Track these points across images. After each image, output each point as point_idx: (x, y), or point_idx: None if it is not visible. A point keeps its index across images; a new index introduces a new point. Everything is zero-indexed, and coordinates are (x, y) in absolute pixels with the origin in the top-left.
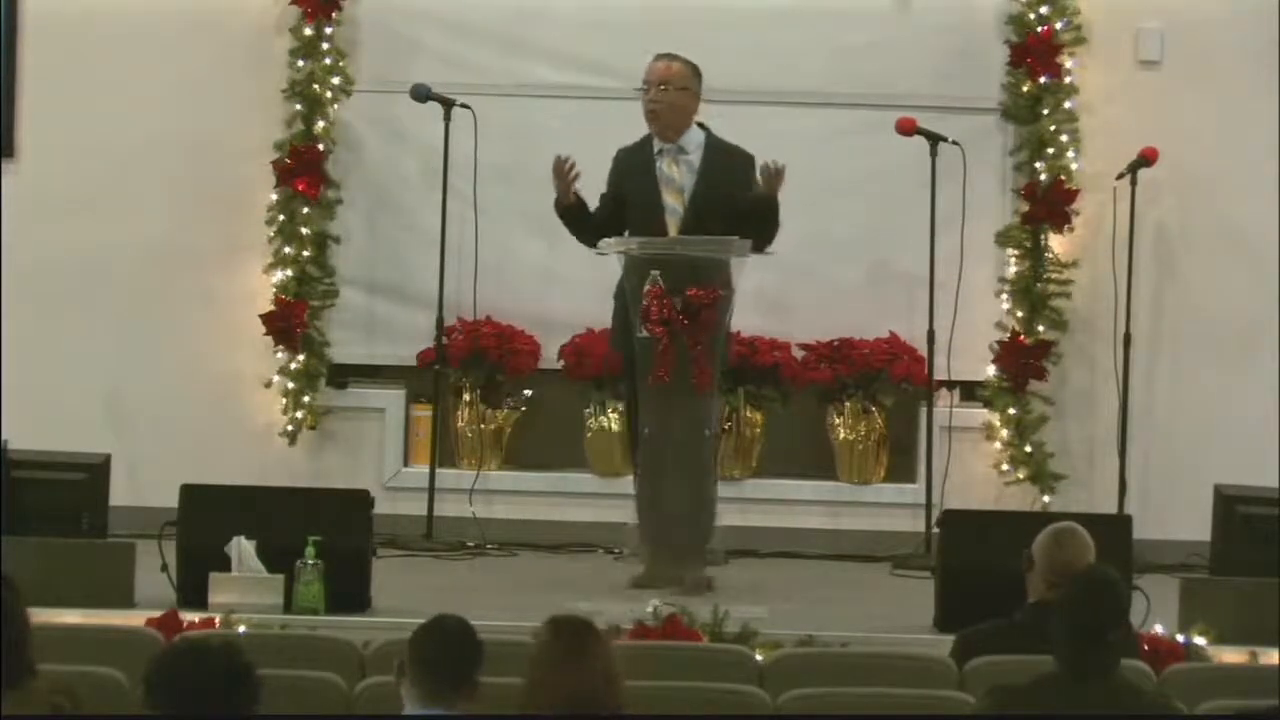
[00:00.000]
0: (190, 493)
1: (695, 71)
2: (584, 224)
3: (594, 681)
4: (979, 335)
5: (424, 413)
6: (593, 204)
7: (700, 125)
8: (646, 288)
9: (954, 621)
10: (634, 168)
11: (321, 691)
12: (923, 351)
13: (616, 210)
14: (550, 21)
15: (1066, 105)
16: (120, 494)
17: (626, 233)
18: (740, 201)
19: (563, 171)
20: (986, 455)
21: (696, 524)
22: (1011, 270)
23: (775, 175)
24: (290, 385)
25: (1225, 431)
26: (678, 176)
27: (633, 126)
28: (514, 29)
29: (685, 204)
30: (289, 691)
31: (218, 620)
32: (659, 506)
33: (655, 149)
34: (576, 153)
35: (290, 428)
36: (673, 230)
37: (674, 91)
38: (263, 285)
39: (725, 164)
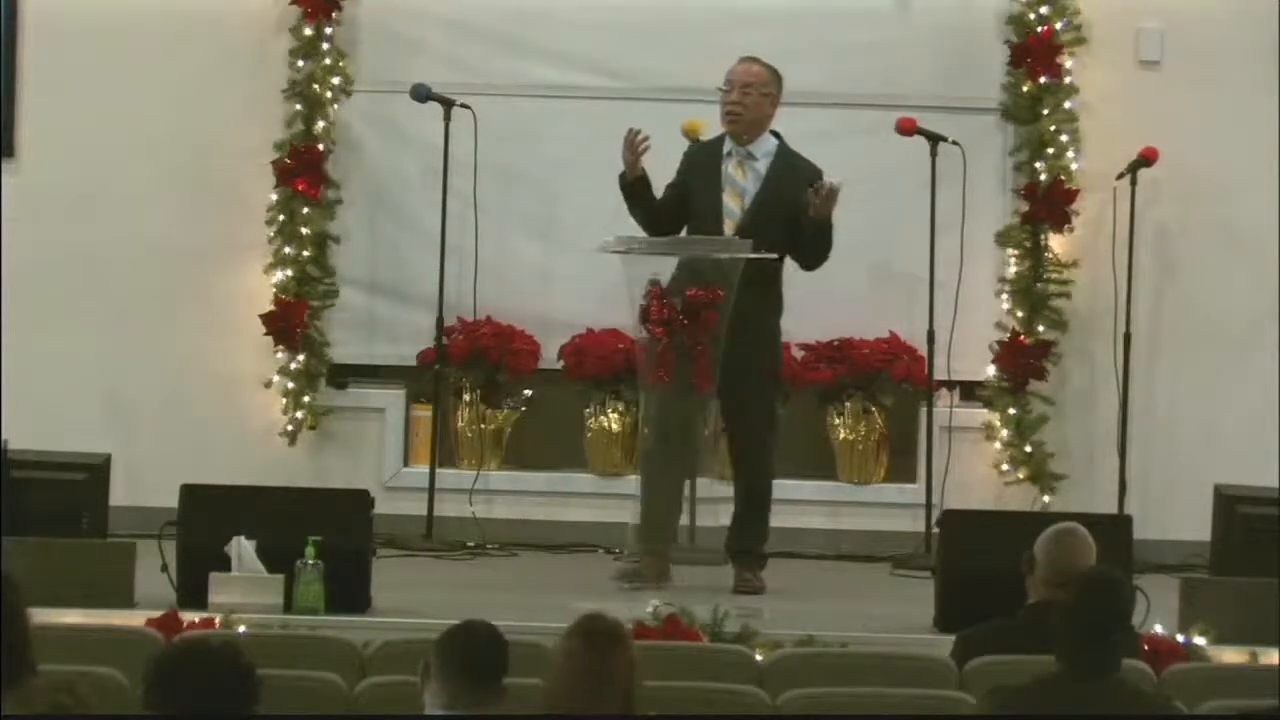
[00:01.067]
0: (190, 493)
1: (777, 76)
2: (644, 204)
3: (621, 683)
4: (979, 335)
5: (424, 413)
6: (659, 190)
7: (774, 133)
8: (646, 288)
9: (954, 621)
10: (702, 165)
11: (321, 691)
12: (923, 351)
13: (679, 203)
14: (550, 21)
15: (1066, 105)
16: (120, 494)
17: (686, 228)
18: (799, 220)
19: (634, 143)
20: (986, 455)
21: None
22: (1011, 270)
23: (828, 197)
24: (290, 385)
25: (1225, 431)
26: (741, 180)
27: (633, 126)
28: (514, 29)
29: (744, 208)
30: (289, 691)
31: (218, 620)
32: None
33: (725, 150)
34: (576, 152)
35: (290, 428)
36: (729, 232)
37: (756, 95)
38: (263, 285)
39: (791, 176)
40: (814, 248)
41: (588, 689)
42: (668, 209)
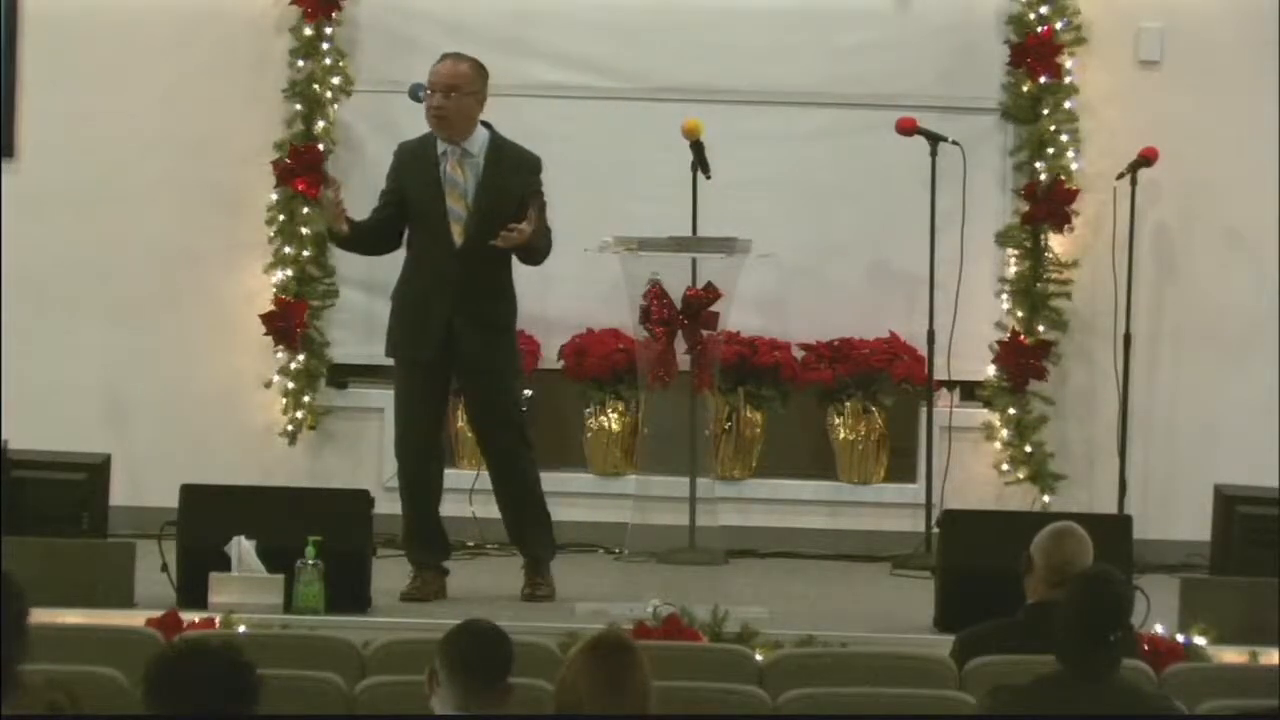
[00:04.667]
0: (190, 493)
1: (481, 72)
2: (363, 237)
3: (630, 704)
4: (979, 335)
5: None
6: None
7: (484, 124)
8: (646, 287)
9: (954, 621)
10: (417, 169)
11: (321, 691)
12: (923, 351)
13: (398, 209)
14: (550, 21)
15: (1066, 105)
16: (120, 494)
17: (407, 232)
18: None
19: (333, 207)
20: (986, 455)
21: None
22: (1011, 270)
23: (508, 239)
24: (290, 385)
25: (1225, 431)
26: (461, 179)
27: (631, 126)
28: (514, 29)
29: (469, 208)
30: (289, 691)
31: (218, 620)
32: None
33: (439, 149)
34: (577, 152)
35: (290, 428)
36: (457, 235)
37: (460, 97)
38: (263, 285)
39: (509, 165)
40: (528, 258)
41: (605, 703)
42: (391, 221)
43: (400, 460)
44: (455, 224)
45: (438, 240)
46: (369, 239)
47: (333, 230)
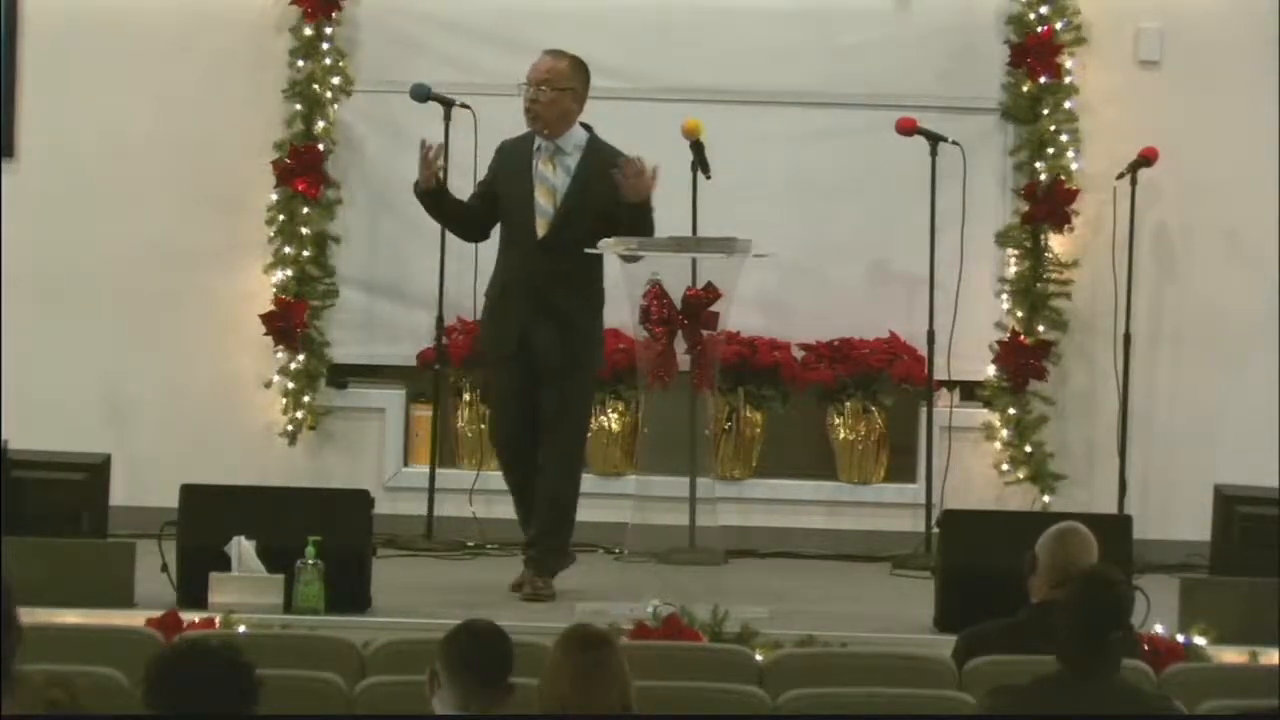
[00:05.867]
0: (190, 493)
1: (580, 69)
2: (447, 208)
3: (613, 694)
4: (979, 335)
5: (424, 413)
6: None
7: (584, 125)
8: (646, 288)
9: (954, 621)
10: (512, 163)
11: (321, 691)
12: (923, 351)
13: (490, 202)
14: (550, 21)
15: (1066, 105)
16: (120, 494)
17: (500, 227)
18: (614, 212)
19: (428, 158)
20: (986, 455)
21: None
22: (1011, 270)
23: (639, 174)
24: (290, 385)
25: (1225, 431)
26: (552, 176)
27: (631, 126)
28: (514, 29)
29: (556, 205)
30: (289, 691)
31: (218, 620)
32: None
33: (535, 145)
34: None
35: (290, 428)
36: (541, 231)
37: (553, 91)
38: (263, 285)
39: (602, 166)
40: (634, 231)
41: (585, 694)
42: (477, 209)
43: (497, 454)
44: (540, 219)
45: (523, 235)
46: (453, 213)
47: (420, 185)
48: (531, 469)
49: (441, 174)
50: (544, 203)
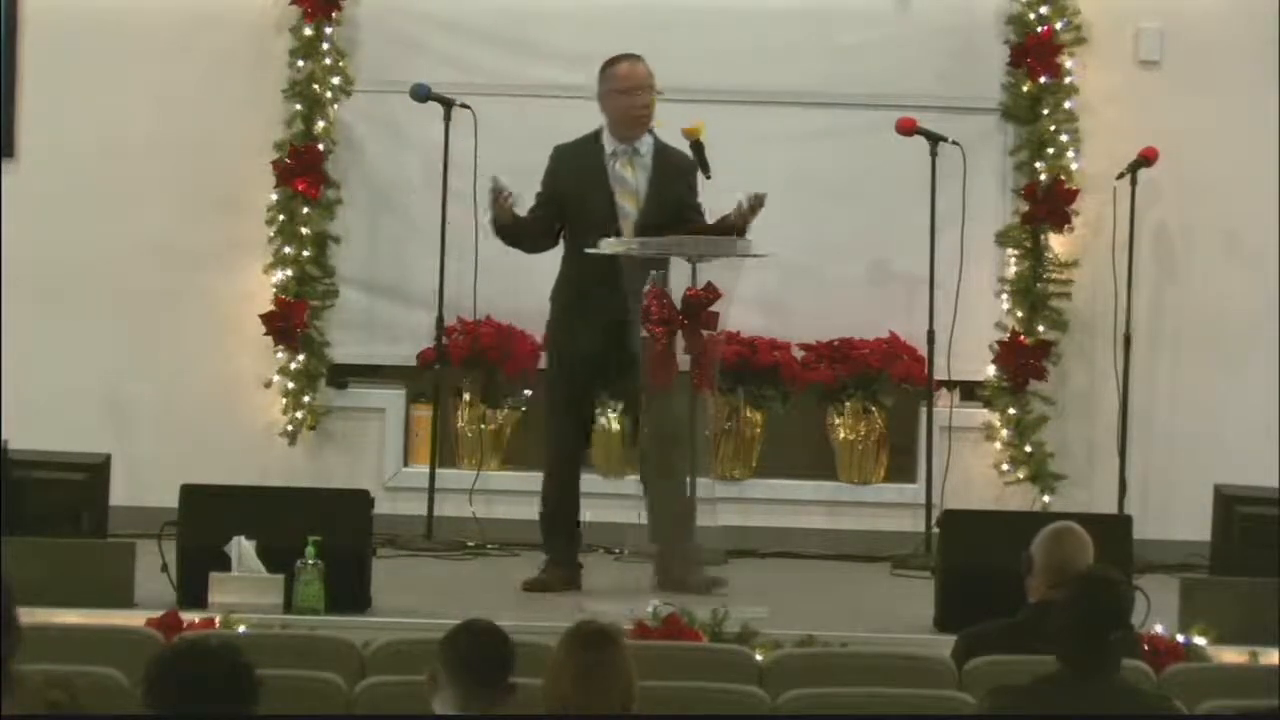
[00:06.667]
0: (190, 493)
1: None
2: (521, 235)
3: (617, 690)
4: (979, 335)
5: (424, 413)
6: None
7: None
8: (646, 287)
9: (954, 621)
10: (580, 168)
11: (321, 691)
12: (923, 351)
13: (554, 210)
14: (550, 21)
15: (1066, 105)
16: (120, 494)
17: (567, 232)
18: (692, 214)
19: (501, 200)
20: (986, 455)
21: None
22: (1011, 270)
23: (753, 211)
24: (290, 385)
25: (1225, 431)
26: (632, 178)
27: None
28: (514, 29)
29: (640, 206)
30: (289, 691)
31: (218, 620)
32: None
33: (608, 150)
34: None
35: (290, 428)
36: (627, 233)
37: (650, 94)
38: (263, 285)
39: (673, 167)
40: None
41: (587, 691)
42: (543, 219)
43: (554, 454)
44: (624, 222)
45: (603, 237)
46: (529, 235)
47: (498, 220)
48: (579, 469)
49: (512, 204)
50: (627, 205)
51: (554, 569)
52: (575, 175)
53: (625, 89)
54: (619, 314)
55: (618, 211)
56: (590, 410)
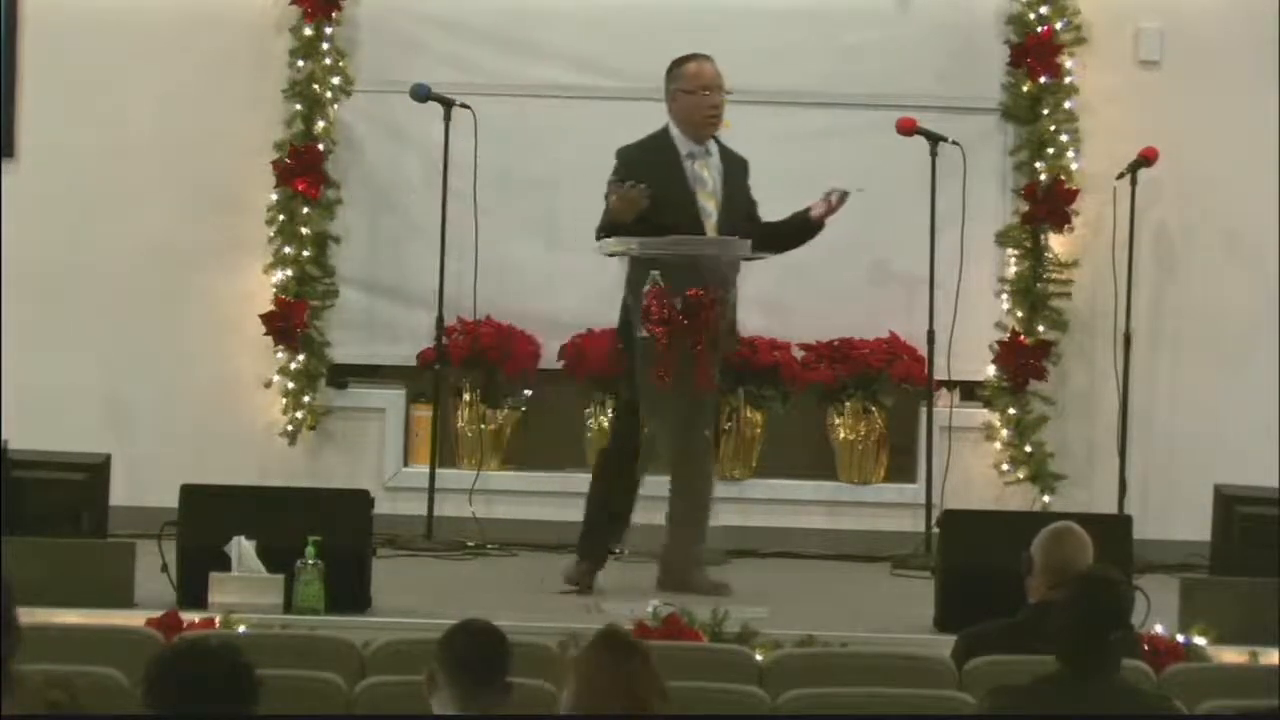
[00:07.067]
0: (190, 493)
1: None
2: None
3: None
4: (979, 335)
5: (424, 413)
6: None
7: None
8: (646, 287)
9: (954, 621)
10: (658, 169)
11: (321, 691)
12: (923, 351)
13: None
14: (550, 21)
15: (1066, 105)
16: (120, 494)
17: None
18: (755, 211)
19: (633, 196)
20: (986, 455)
21: (696, 526)
22: (1011, 270)
23: (837, 206)
24: (290, 385)
25: (1225, 431)
26: (709, 179)
27: (632, 126)
28: (514, 29)
29: (719, 206)
30: (289, 691)
31: (218, 620)
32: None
33: (683, 151)
34: (577, 153)
35: (290, 428)
36: (710, 233)
37: (721, 94)
38: (263, 285)
39: (738, 165)
40: (794, 244)
41: (617, 703)
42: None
43: (627, 466)
44: (707, 222)
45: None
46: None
47: (618, 219)
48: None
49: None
50: (708, 206)
51: (590, 565)
52: (654, 177)
53: (693, 88)
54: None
55: (699, 212)
56: None
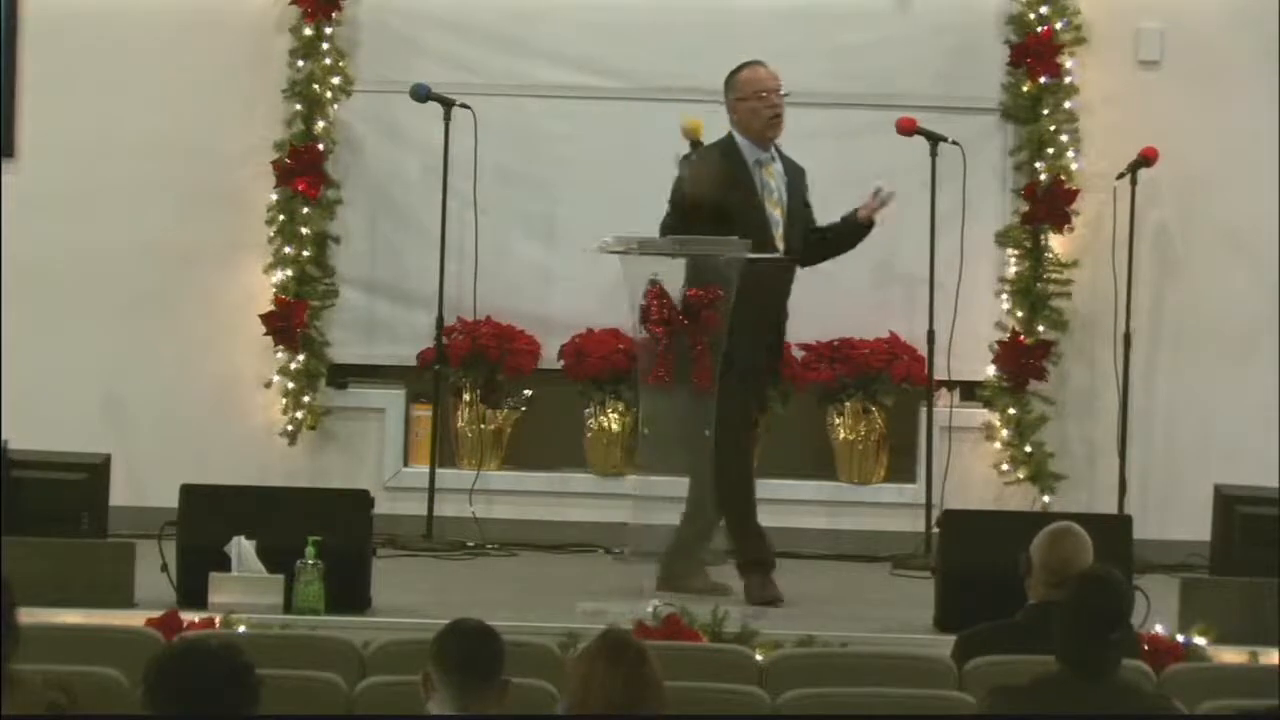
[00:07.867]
0: (190, 493)
1: None
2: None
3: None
4: (979, 335)
5: (424, 413)
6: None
7: None
8: (646, 287)
9: (954, 621)
10: (729, 178)
11: (321, 691)
12: (923, 351)
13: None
14: (550, 21)
15: (1066, 105)
16: (120, 494)
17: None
18: (811, 214)
19: (715, 161)
20: (986, 455)
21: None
22: (1011, 270)
23: (884, 203)
24: (290, 385)
25: (1225, 431)
26: (775, 186)
27: (631, 126)
28: (514, 29)
29: (784, 215)
30: (289, 691)
31: (218, 620)
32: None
33: (750, 159)
34: (577, 152)
35: (290, 428)
36: (781, 243)
37: (779, 95)
38: (263, 285)
39: (796, 170)
40: (845, 247)
41: (617, 703)
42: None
43: (737, 466)
44: (775, 230)
45: (760, 248)
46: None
47: (698, 191)
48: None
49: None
50: (776, 214)
51: (762, 574)
52: (724, 185)
53: (749, 94)
54: (779, 318)
55: (768, 221)
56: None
